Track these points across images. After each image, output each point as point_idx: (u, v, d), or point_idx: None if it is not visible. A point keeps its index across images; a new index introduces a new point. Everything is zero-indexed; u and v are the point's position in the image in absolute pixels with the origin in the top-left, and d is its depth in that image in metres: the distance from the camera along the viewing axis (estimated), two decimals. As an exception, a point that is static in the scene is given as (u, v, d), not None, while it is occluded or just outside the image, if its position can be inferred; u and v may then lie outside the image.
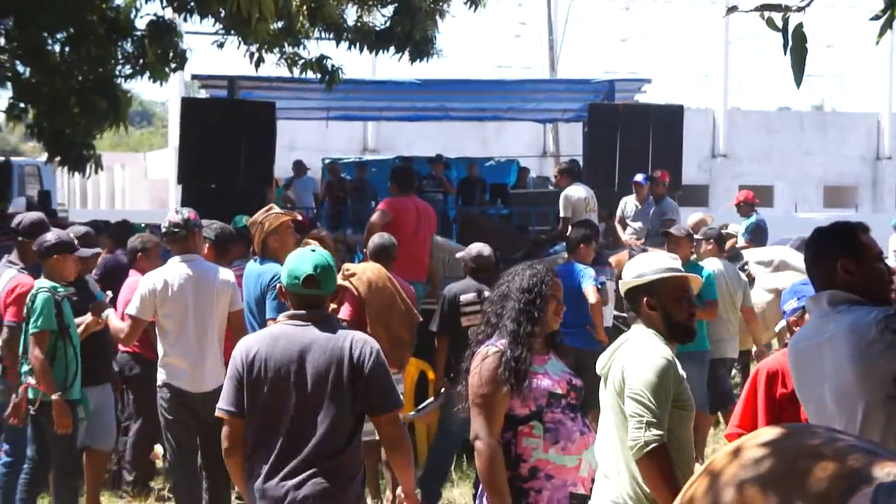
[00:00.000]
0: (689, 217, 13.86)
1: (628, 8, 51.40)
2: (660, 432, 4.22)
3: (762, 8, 4.04)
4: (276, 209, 8.10)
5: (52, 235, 7.33)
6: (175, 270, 7.21)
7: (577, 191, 12.55)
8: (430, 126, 31.41)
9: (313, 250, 5.02)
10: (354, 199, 20.13)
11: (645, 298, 4.54)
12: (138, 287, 7.32)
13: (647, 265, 4.60)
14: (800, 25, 4.00)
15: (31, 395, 7.14)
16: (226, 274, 7.26)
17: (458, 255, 9.44)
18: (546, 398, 4.70)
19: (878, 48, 43.35)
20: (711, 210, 31.85)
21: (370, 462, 8.71)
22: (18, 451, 7.39)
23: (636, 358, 4.38)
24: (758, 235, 13.95)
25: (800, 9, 4.05)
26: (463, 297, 8.66)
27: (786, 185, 42.76)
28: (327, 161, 22.40)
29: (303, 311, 4.79)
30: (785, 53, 4.04)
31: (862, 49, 57.34)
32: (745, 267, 12.31)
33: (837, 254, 3.80)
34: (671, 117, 15.95)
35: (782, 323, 4.34)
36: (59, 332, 7.11)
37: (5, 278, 7.58)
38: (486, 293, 8.62)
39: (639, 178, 13.63)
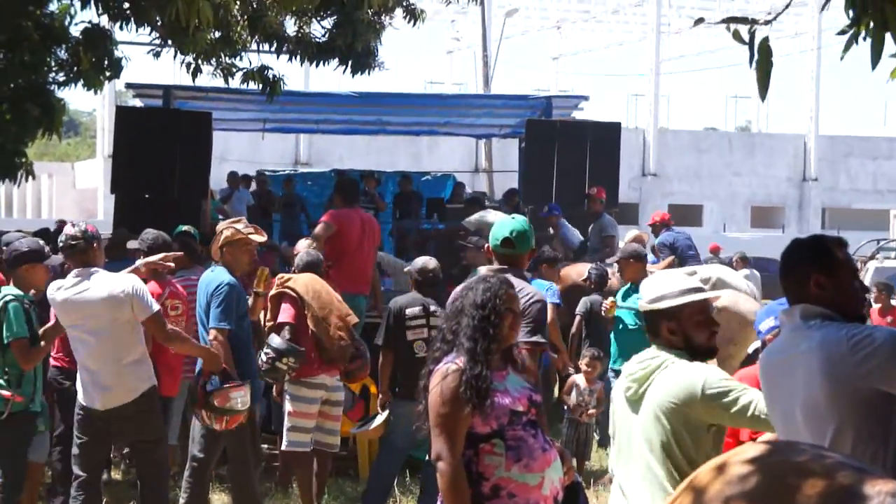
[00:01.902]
0: (626, 234, 13.94)
1: (559, 27, 51.67)
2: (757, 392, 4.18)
3: (729, 20, 4.04)
4: (243, 225, 7.91)
5: (21, 244, 7.16)
6: (72, 284, 6.85)
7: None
8: (363, 140, 31.37)
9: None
10: (283, 212, 19.96)
11: (664, 323, 4.45)
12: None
13: (666, 287, 4.49)
14: (765, 39, 4.00)
15: None
16: (123, 284, 6.78)
17: (406, 269, 9.39)
18: (508, 416, 4.60)
19: (803, 71, 43.99)
20: (641, 228, 32.04)
21: (305, 473, 8.60)
22: None
23: (689, 372, 4.31)
24: (666, 252, 14.03)
25: (766, 22, 4.05)
26: (409, 311, 8.59)
27: (714, 204, 43.24)
28: (258, 174, 22.22)
29: (504, 266, 5.87)
30: (751, 66, 4.04)
31: (788, 71, 58.04)
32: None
33: (811, 268, 3.77)
34: (608, 134, 16.01)
35: (756, 344, 4.29)
36: (30, 340, 6.94)
37: None
38: (432, 307, 8.59)
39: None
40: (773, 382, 3.82)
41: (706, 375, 4.27)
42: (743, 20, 3.99)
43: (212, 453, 7.77)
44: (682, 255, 13.87)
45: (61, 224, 10.64)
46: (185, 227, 10.01)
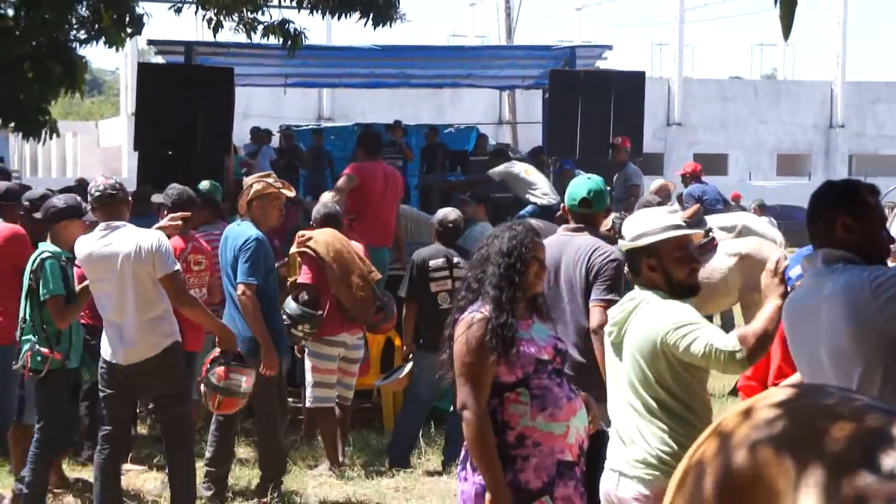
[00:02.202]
0: (651, 183, 13.87)
1: (583, -24, 51.27)
2: (720, 331, 4.18)
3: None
4: (273, 179, 7.86)
5: (59, 200, 7.16)
6: (100, 238, 6.83)
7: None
8: (385, 94, 31.23)
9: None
10: (311, 167, 19.94)
11: (645, 260, 4.45)
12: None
13: (645, 225, 4.48)
14: None
15: (35, 364, 7.00)
16: (148, 239, 6.75)
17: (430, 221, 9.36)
18: (533, 365, 4.57)
19: (830, 17, 43.50)
20: (667, 178, 31.89)
21: (329, 427, 8.63)
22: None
23: (659, 313, 4.30)
24: (692, 203, 13.96)
25: (791, -42, 3.95)
26: (432, 263, 8.57)
27: (740, 153, 42.98)
28: (283, 128, 22.16)
29: (580, 226, 6.19)
30: (775, 5, 3.95)
31: (814, 18, 57.50)
32: (710, 233, 12.31)
33: (839, 210, 3.73)
34: (633, 84, 15.84)
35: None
36: (66, 298, 6.97)
37: None
38: (455, 258, 8.58)
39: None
40: (798, 328, 3.78)
41: (668, 316, 4.26)
42: None
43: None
44: (709, 207, 13.81)
45: (82, 182, 10.64)
46: (206, 182, 9.99)
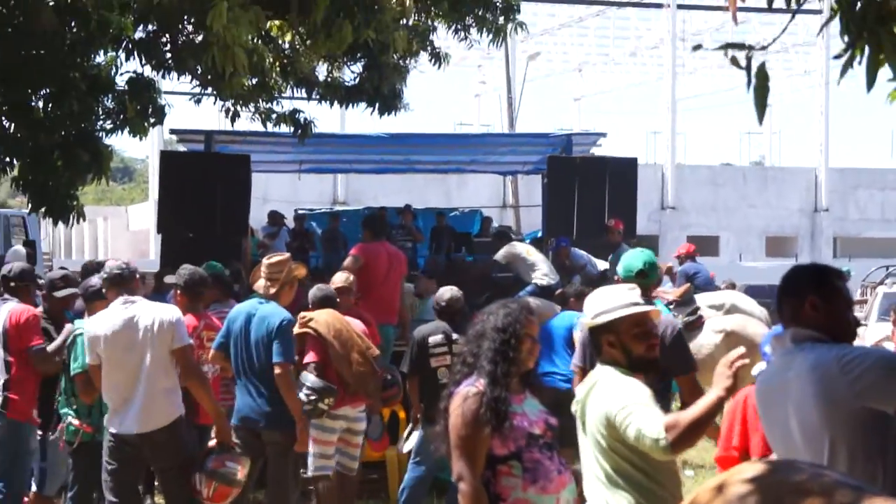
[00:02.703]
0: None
1: (580, 69, 51.62)
2: (656, 415, 4.03)
3: (727, 46, 3.93)
4: (294, 263, 7.89)
5: (96, 280, 7.30)
6: (118, 313, 6.87)
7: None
8: (396, 179, 31.28)
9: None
10: (325, 247, 19.94)
11: (605, 336, 4.37)
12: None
13: (605, 303, 4.42)
14: (762, 64, 3.90)
15: (68, 437, 7.05)
16: (167, 312, 6.82)
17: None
18: (525, 439, 4.49)
19: (814, 105, 43.68)
20: (662, 259, 31.80)
21: (328, 493, 8.46)
22: (13, 486, 7.17)
23: (609, 391, 4.20)
24: (682, 281, 13.89)
25: (763, 48, 3.95)
26: (431, 339, 8.49)
27: (730, 235, 42.92)
28: (296, 212, 22.24)
29: None
30: (748, 91, 3.94)
31: (799, 106, 57.91)
32: (697, 311, 12.23)
33: (808, 291, 3.66)
34: (626, 169, 15.90)
35: (761, 365, 4.18)
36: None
37: (4, 311, 7.44)
38: (454, 336, 8.48)
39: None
40: (769, 405, 3.69)
41: (617, 395, 4.17)
42: (740, 46, 3.88)
43: (249, 478, 7.65)
44: (702, 286, 13.72)
45: (89, 264, 10.70)
46: (212, 263, 9.92)
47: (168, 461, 6.88)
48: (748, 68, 3.93)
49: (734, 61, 3.95)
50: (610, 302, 4.41)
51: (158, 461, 7.00)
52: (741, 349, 4.04)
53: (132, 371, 6.71)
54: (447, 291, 8.76)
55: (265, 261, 7.91)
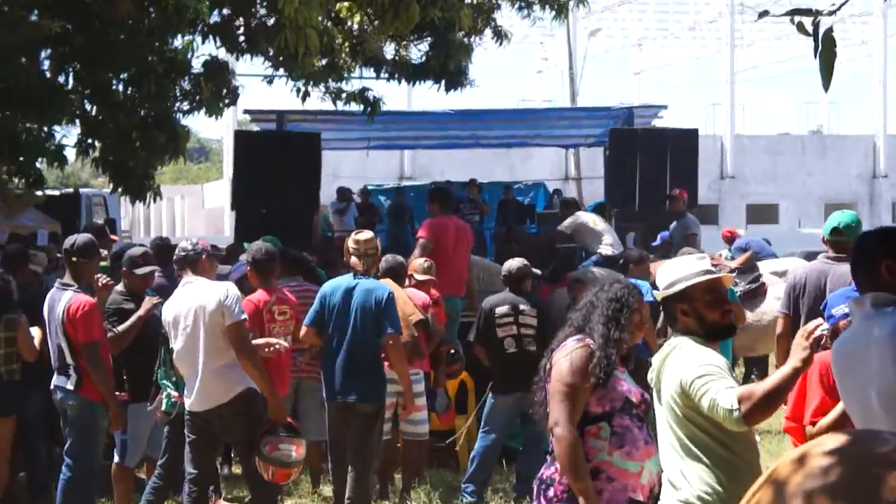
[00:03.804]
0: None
1: (640, 44, 51.02)
2: (730, 385, 3.89)
3: (793, 12, 3.80)
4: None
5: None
6: (179, 294, 6.86)
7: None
8: (461, 154, 31.19)
9: None
10: (392, 220, 19.93)
11: (678, 306, 4.25)
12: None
13: (675, 273, 4.30)
14: (829, 30, 3.76)
15: (167, 408, 7.04)
16: (218, 290, 6.69)
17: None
18: (622, 402, 4.45)
19: (871, 75, 42.84)
20: (721, 227, 31.39)
21: (386, 457, 8.44)
22: (82, 465, 7.17)
23: (684, 359, 4.08)
24: (740, 253, 13.67)
25: (830, 13, 3.81)
26: (498, 310, 8.41)
27: (789, 202, 42.27)
28: (362, 188, 22.27)
29: (840, 255, 6.64)
30: (815, 57, 3.80)
31: (856, 76, 56.79)
32: (759, 278, 12.02)
33: (882, 255, 3.51)
34: (687, 140, 15.68)
35: (819, 320, 4.02)
36: None
37: (64, 301, 7.14)
38: (521, 306, 8.39)
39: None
40: (847, 371, 3.54)
41: (692, 363, 4.03)
42: (807, 12, 3.75)
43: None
44: (758, 254, 13.49)
45: (161, 240, 10.66)
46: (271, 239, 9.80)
47: (237, 436, 6.83)
48: (815, 34, 3.80)
49: (801, 27, 3.82)
50: (681, 271, 4.29)
51: (228, 435, 6.96)
52: (819, 320, 3.90)
53: (191, 350, 6.70)
54: (514, 262, 8.68)
55: (354, 236, 7.85)
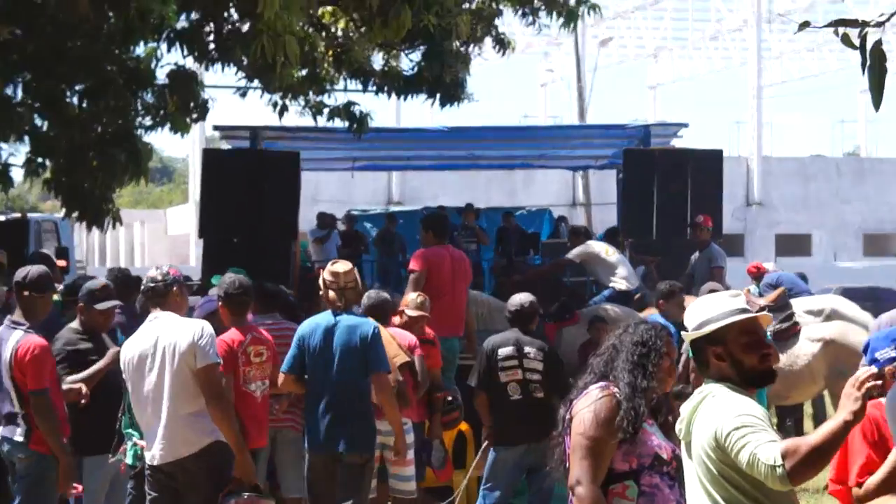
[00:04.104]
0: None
1: (656, 55, 51.31)
2: (773, 438, 3.83)
3: (837, 23, 3.81)
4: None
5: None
6: (144, 330, 6.78)
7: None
8: (455, 177, 31.30)
9: None
10: (381, 250, 19.92)
11: (711, 349, 4.18)
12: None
13: (707, 311, 4.24)
14: (878, 42, 3.77)
15: (133, 461, 7.05)
16: (191, 328, 6.62)
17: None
18: (651, 458, 4.42)
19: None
20: (748, 259, 31.46)
21: None
22: None
23: (719, 409, 4.03)
24: (770, 291, 13.71)
25: (879, 24, 3.81)
26: (501, 351, 8.39)
27: (823, 233, 42.37)
28: (353, 212, 22.28)
29: None
30: (863, 73, 3.81)
31: (897, 92, 56.96)
32: (792, 317, 12.03)
33: None
34: (710, 162, 15.67)
35: (872, 369, 3.97)
36: None
37: (12, 341, 7.06)
38: (526, 348, 8.39)
39: None
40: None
41: (729, 414, 3.97)
42: (853, 22, 3.76)
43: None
44: (790, 290, 13.51)
45: (120, 271, 10.64)
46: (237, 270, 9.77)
47: (202, 494, 6.74)
48: (862, 47, 3.81)
49: (846, 39, 3.83)
50: (713, 310, 4.23)
51: (192, 493, 6.85)
52: (872, 369, 3.85)
53: (155, 395, 6.63)
54: (518, 297, 8.68)
55: (331, 268, 7.84)
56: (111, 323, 7.88)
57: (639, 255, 14.45)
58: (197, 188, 28.33)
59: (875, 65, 3.79)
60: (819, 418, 13.76)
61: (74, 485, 7.35)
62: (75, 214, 13.19)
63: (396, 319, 8.92)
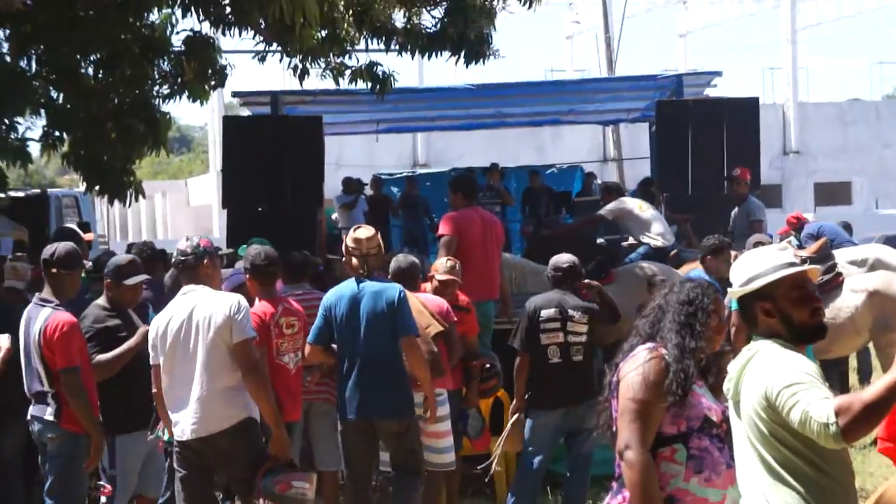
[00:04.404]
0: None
1: (685, 1, 50.89)
2: (825, 395, 3.76)
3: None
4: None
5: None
6: (176, 304, 6.82)
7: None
8: (481, 136, 31.18)
9: None
10: (406, 215, 19.88)
11: (759, 305, 4.14)
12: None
13: (755, 266, 4.19)
14: None
15: (170, 437, 7.02)
16: (226, 302, 6.67)
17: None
18: (700, 421, 4.40)
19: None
20: (786, 210, 31.31)
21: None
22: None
23: (769, 366, 3.97)
24: (811, 241, 13.61)
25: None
26: (543, 313, 8.37)
27: (864, 179, 42.08)
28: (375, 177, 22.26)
29: None
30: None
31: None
32: (835, 268, 11.97)
33: None
34: (746, 111, 15.56)
35: None
36: None
37: (41, 320, 7.13)
38: (570, 310, 8.36)
39: None
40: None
41: (780, 371, 3.91)
42: None
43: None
44: (833, 241, 13.42)
45: (146, 244, 10.69)
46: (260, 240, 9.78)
47: (235, 471, 6.78)
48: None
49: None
50: (761, 265, 4.18)
51: (224, 470, 6.90)
52: None
53: (187, 369, 6.67)
54: (561, 257, 8.65)
55: (353, 234, 7.84)
56: (139, 298, 7.89)
57: (673, 213, 14.37)
58: (218, 157, 28.37)
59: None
60: (864, 372, 13.71)
61: (104, 484, 7.39)
62: (96, 188, 13.22)
63: (427, 286, 8.90)
